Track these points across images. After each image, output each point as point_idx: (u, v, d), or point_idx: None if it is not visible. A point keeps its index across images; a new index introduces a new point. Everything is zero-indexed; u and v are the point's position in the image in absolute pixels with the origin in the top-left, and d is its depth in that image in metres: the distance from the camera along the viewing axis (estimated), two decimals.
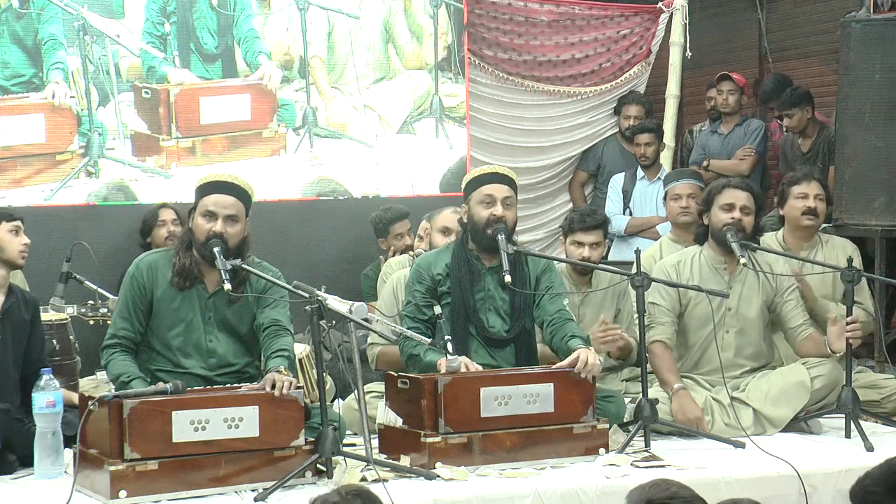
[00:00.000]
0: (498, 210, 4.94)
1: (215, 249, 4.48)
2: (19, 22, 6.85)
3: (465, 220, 5.06)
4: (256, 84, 7.47)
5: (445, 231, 5.78)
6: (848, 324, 5.05)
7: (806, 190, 5.79)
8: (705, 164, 7.83)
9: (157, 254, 4.79)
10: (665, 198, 6.47)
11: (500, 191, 4.98)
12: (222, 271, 4.44)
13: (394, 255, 6.78)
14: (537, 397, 4.55)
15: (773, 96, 7.93)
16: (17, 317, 4.71)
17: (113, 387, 4.55)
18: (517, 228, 5.14)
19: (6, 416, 4.43)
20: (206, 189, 4.63)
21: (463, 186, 5.12)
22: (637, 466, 4.46)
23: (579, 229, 5.53)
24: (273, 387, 4.22)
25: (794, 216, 5.81)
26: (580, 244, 5.52)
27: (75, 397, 4.67)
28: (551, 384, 4.58)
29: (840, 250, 5.76)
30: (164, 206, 6.77)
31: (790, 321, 5.35)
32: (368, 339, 5.48)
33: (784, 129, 7.89)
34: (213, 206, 4.57)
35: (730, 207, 5.28)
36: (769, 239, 5.78)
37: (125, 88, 7.14)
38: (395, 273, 5.69)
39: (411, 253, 6.26)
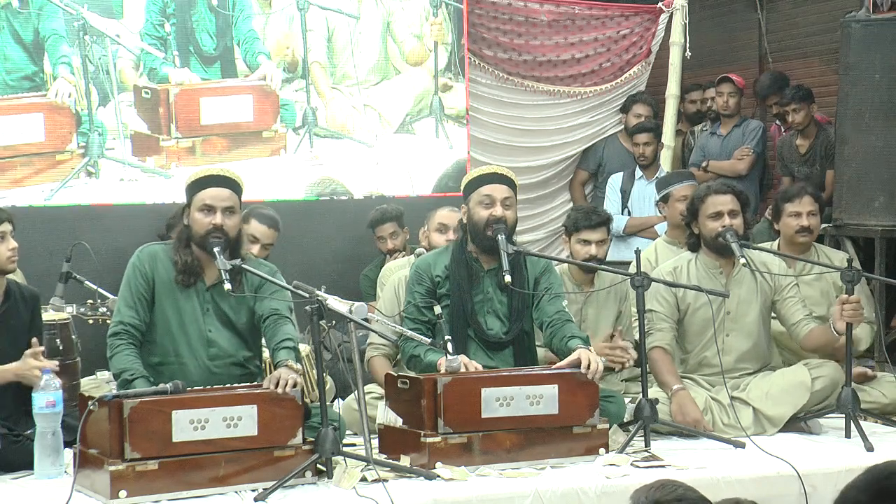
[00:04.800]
0: (497, 210, 4.94)
1: (215, 249, 4.51)
2: (18, 20, 6.85)
3: (464, 221, 5.05)
4: (258, 85, 7.47)
5: (442, 228, 5.80)
6: (846, 303, 5.00)
7: (798, 208, 5.79)
8: (704, 164, 7.83)
9: (157, 245, 4.83)
10: (666, 200, 6.45)
11: (499, 191, 4.98)
12: (222, 271, 4.45)
13: (386, 256, 6.82)
14: (541, 399, 4.54)
15: (770, 92, 7.94)
16: (16, 318, 4.69)
17: (114, 386, 4.55)
18: (517, 229, 5.14)
19: (3, 440, 4.42)
20: (200, 184, 4.66)
21: (462, 187, 5.12)
22: (637, 466, 4.46)
23: (585, 227, 5.52)
24: (278, 384, 4.24)
25: (788, 234, 5.83)
26: (587, 242, 5.52)
27: None
28: (556, 386, 4.57)
29: (837, 263, 5.73)
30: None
31: (791, 317, 5.34)
32: (368, 341, 5.46)
33: (784, 130, 7.89)
34: (210, 199, 4.61)
35: (718, 215, 5.27)
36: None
37: (125, 88, 7.14)
38: (396, 273, 5.68)
39: (421, 246, 6.24)
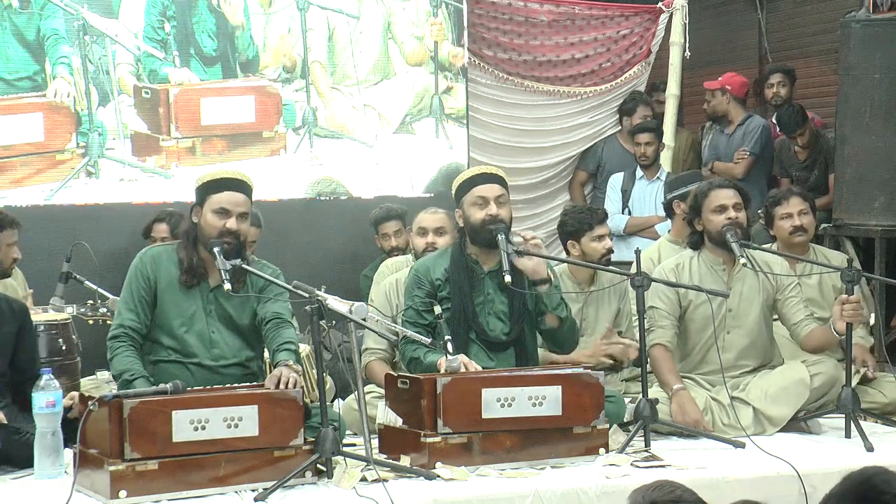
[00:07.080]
0: (493, 210, 4.94)
1: (215, 249, 4.51)
2: (20, 19, 6.84)
3: (461, 224, 5.05)
4: (260, 86, 7.47)
5: (421, 232, 5.78)
6: (846, 303, 4.98)
7: (788, 209, 5.79)
8: (710, 166, 7.85)
9: (160, 247, 4.84)
10: (683, 199, 6.41)
11: (491, 190, 4.98)
12: (222, 271, 4.46)
13: (386, 255, 6.80)
14: (544, 399, 4.51)
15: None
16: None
17: (115, 386, 4.54)
18: (515, 229, 5.14)
19: (4, 430, 4.41)
20: (216, 186, 4.64)
21: (453, 191, 5.11)
22: (637, 466, 4.45)
23: (597, 223, 5.63)
24: (278, 384, 4.24)
25: (783, 236, 5.82)
26: (601, 237, 5.63)
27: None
28: (559, 387, 4.54)
29: (836, 263, 5.72)
30: (157, 220, 6.61)
31: (792, 317, 5.33)
32: (364, 347, 5.41)
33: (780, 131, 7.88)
34: (227, 204, 4.60)
35: (722, 209, 5.27)
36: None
37: (125, 89, 7.14)
38: (389, 277, 5.66)
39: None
